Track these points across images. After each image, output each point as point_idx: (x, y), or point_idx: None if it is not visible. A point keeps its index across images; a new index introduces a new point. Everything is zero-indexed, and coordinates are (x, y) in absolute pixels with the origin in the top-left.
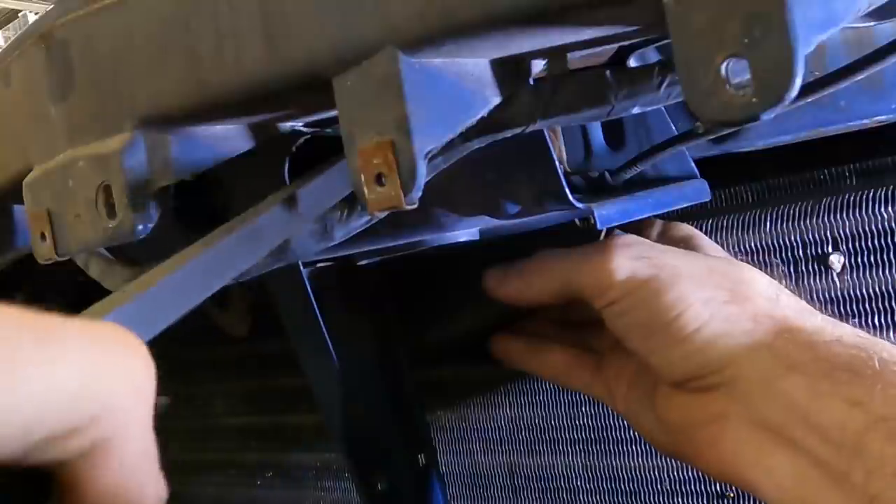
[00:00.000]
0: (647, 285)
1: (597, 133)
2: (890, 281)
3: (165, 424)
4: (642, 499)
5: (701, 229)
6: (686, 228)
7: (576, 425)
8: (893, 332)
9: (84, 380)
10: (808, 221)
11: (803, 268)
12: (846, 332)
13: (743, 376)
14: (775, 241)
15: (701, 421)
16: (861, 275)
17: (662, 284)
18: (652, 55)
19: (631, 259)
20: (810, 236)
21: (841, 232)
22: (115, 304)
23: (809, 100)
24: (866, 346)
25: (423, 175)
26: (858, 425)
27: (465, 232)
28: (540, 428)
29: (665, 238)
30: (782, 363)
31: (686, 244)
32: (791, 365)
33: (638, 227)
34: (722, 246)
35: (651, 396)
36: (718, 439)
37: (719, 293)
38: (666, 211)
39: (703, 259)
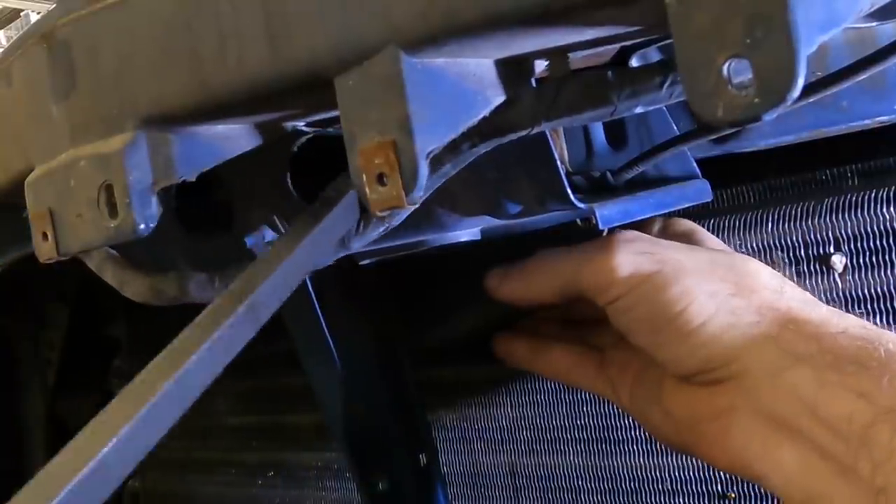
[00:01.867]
0: (651, 280)
1: (598, 133)
2: (891, 281)
3: None
4: (643, 498)
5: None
6: (687, 224)
7: (577, 425)
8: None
9: None
10: (809, 222)
11: (805, 268)
12: (851, 324)
13: (750, 369)
14: (777, 242)
15: (708, 414)
16: (863, 275)
17: (666, 279)
18: (654, 55)
19: (633, 255)
20: (812, 237)
21: (843, 232)
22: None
23: (811, 100)
24: (872, 337)
25: (424, 175)
26: (865, 417)
27: (467, 232)
28: (541, 427)
29: (666, 234)
30: (788, 355)
31: (687, 239)
32: (797, 357)
33: (639, 224)
34: None
35: (657, 391)
36: (726, 432)
37: (724, 286)
38: (668, 211)
39: (707, 252)
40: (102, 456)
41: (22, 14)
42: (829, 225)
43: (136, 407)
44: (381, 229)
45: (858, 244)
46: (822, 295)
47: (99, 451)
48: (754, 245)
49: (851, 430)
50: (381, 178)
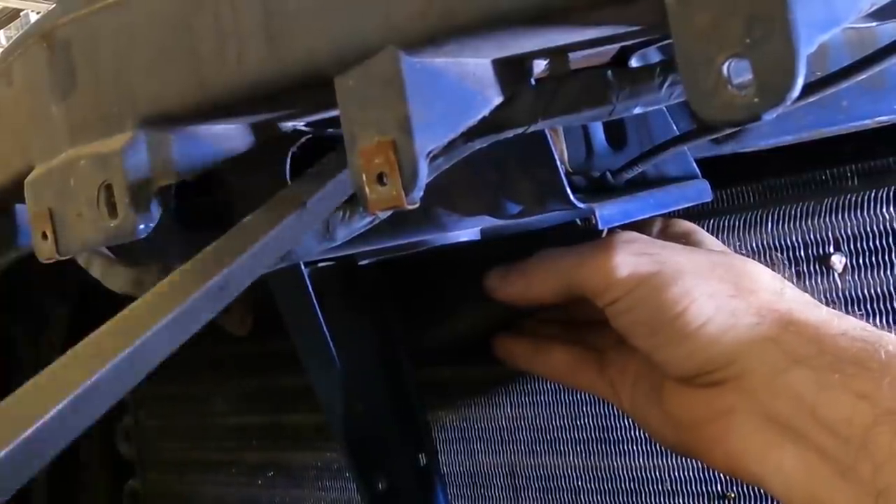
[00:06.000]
0: (650, 282)
1: (598, 133)
2: (891, 281)
3: (165, 424)
4: (643, 499)
5: (703, 229)
6: (686, 224)
7: (576, 425)
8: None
9: None
10: (809, 222)
11: (805, 268)
12: (851, 325)
13: (750, 371)
14: (777, 242)
15: (708, 416)
16: (863, 275)
17: (665, 280)
18: (653, 55)
19: (633, 255)
20: (812, 237)
21: (842, 232)
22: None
23: (811, 100)
24: (872, 339)
25: (424, 175)
26: (866, 419)
27: (467, 232)
28: (540, 428)
29: (665, 235)
30: (788, 357)
31: (686, 240)
32: (797, 359)
33: (638, 225)
34: None
35: (657, 392)
36: (726, 434)
37: (724, 287)
38: (667, 211)
39: (706, 254)
40: (37, 427)
41: (22, 14)
42: (829, 225)
43: (81, 376)
44: (368, 220)
45: (858, 244)
46: (822, 295)
47: (37, 419)
48: (754, 245)
49: (852, 432)
50: (380, 178)
